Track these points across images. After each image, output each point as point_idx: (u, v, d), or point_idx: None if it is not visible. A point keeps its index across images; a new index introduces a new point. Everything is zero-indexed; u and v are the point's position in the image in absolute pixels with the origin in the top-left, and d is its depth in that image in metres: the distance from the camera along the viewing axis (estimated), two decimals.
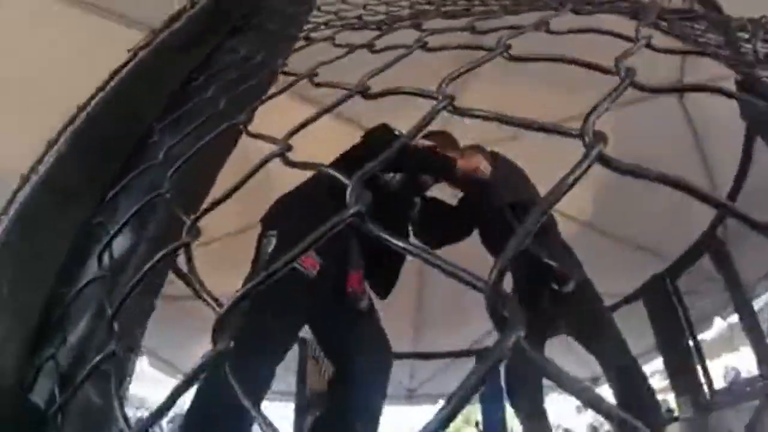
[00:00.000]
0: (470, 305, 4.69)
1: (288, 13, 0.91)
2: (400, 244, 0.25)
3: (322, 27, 0.85)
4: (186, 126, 0.60)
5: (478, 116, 0.35)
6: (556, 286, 1.84)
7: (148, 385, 7.15)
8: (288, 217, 1.54)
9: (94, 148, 0.55)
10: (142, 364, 5.07)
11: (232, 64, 0.73)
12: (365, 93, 0.41)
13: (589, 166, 0.23)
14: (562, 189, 0.22)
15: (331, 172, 0.31)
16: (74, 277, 0.49)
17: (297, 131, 0.39)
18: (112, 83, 0.64)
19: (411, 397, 7.44)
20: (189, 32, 0.81)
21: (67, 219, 0.50)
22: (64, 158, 0.53)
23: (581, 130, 0.24)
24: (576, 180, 0.23)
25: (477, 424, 5.99)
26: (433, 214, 1.99)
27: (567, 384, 0.17)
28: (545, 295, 1.87)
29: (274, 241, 1.48)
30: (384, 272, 1.75)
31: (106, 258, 0.50)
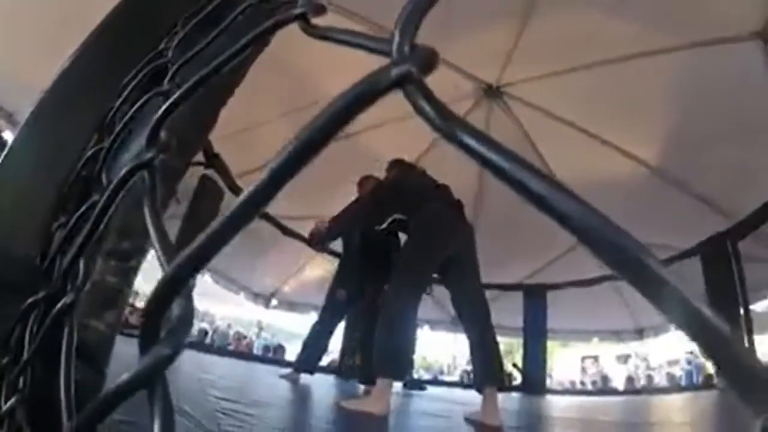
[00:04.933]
0: (521, 242, 4.60)
1: None
2: None
3: None
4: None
5: None
6: None
7: (211, 300, 7.91)
8: None
9: (110, 47, 0.56)
10: (206, 282, 5.55)
11: None
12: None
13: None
14: None
15: None
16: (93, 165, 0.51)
17: None
18: None
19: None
20: None
21: (86, 107, 0.52)
22: (82, 53, 0.54)
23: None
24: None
25: (515, 365, 6.04)
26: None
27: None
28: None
29: None
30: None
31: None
